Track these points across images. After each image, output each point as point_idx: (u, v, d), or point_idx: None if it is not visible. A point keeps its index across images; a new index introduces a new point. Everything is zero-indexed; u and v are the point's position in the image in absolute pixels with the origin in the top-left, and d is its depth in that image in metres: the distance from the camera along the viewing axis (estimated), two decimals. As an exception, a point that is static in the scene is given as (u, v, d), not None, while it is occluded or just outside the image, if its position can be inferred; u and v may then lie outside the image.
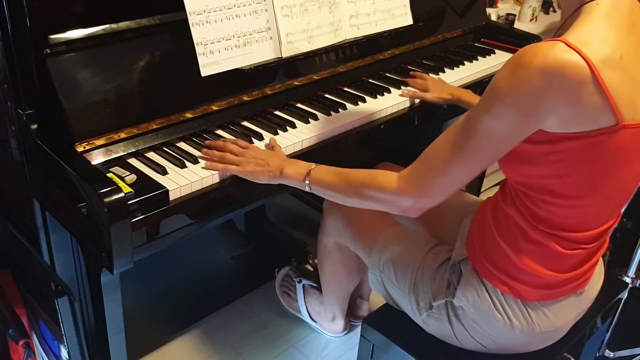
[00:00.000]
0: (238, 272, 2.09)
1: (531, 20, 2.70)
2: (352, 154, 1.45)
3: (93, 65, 1.18)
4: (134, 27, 1.24)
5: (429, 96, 1.57)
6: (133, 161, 1.21)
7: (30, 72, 1.13)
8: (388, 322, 1.33)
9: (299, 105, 1.49)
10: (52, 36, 1.13)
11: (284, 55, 1.44)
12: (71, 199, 1.11)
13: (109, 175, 1.09)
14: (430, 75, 1.68)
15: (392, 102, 1.54)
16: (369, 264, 1.38)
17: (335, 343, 1.86)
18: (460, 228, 1.25)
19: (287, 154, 1.30)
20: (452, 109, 1.60)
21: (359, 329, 1.50)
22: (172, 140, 1.28)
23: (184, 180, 1.16)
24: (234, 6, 1.34)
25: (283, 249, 2.11)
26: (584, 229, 1.08)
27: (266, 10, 1.40)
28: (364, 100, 1.53)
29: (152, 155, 1.24)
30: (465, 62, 1.83)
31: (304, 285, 1.87)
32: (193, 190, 1.17)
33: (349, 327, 1.87)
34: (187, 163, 1.21)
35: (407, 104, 1.57)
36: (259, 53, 1.40)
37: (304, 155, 1.32)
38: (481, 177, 2.25)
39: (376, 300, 1.82)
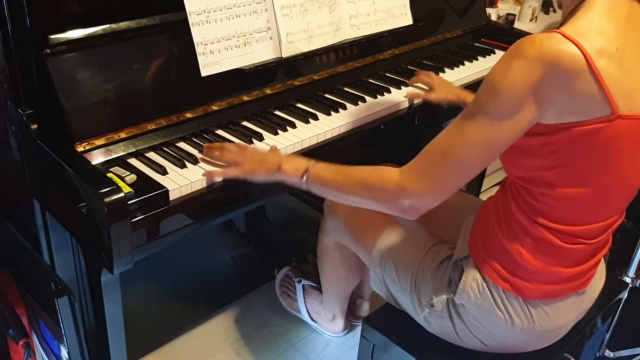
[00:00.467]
0: (238, 272, 2.09)
1: (531, 20, 2.70)
2: (352, 154, 1.45)
3: (93, 65, 1.18)
4: (134, 27, 1.24)
5: (434, 97, 1.56)
6: (133, 161, 1.21)
7: (30, 72, 1.13)
8: (388, 322, 1.33)
9: (299, 105, 1.49)
10: (52, 36, 1.13)
11: (284, 55, 1.44)
12: (71, 199, 1.11)
13: (109, 175, 1.09)
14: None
15: (392, 102, 1.54)
16: (370, 263, 1.38)
17: (335, 343, 1.86)
18: (463, 226, 1.25)
19: (287, 154, 1.30)
20: (452, 108, 1.59)
21: (359, 329, 1.50)
22: (172, 140, 1.28)
23: (184, 180, 1.16)
24: (234, 6, 1.34)
25: (283, 249, 2.11)
26: (582, 222, 1.08)
27: (266, 10, 1.40)
28: (364, 100, 1.53)
29: (152, 155, 1.24)
30: (465, 62, 1.83)
31: (303, 285, 1.87)
32: (193, 190, 1.17)
33: (349, 327, 1.87)
34: (187, 163, 1.21)
35: (407, 104, 1.57)
36: (259, 53, 1.40)
37: (304, 155, 1.31)
38: (481, 177, 2.25)
39: (376, 300, 1.82)
